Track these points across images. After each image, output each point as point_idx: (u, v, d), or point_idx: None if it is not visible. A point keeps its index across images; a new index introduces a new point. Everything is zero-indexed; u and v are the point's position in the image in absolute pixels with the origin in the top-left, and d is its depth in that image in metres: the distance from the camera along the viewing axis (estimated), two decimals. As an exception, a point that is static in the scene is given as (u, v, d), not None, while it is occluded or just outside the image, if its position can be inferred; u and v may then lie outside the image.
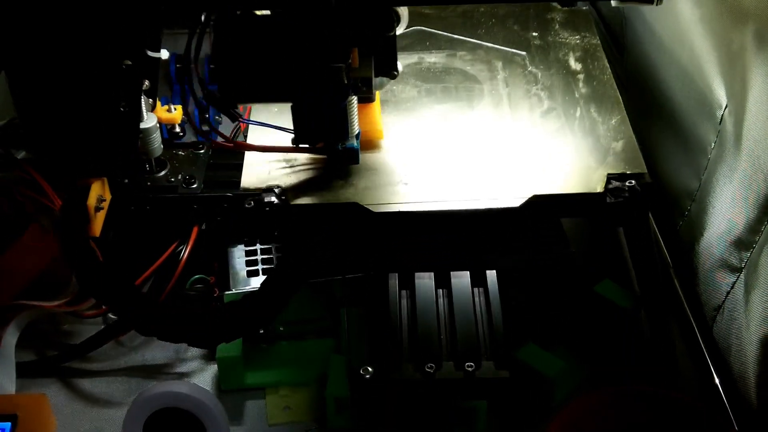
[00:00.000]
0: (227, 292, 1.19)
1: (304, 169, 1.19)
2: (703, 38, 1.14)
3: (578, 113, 1.27)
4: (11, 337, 1.20)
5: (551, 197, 1.14)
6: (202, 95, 1.12)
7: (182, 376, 1.21)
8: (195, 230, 1.22)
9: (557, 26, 1.46)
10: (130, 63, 1.06)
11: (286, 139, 1.16)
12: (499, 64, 1.38)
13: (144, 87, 1.16)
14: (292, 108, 1.11)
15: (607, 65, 1.36)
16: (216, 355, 1.15)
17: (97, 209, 1.12)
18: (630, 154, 1.19)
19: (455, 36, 1.44)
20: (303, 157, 1.20)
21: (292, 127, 1.14)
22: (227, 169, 1.24)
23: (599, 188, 1.13)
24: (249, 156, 1.21)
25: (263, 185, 1.15)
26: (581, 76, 1.35)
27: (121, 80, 1.07)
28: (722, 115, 1.10)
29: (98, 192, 1.13)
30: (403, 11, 1.16)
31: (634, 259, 1.28)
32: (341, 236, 1.17)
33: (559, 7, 1.49)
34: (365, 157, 1.20)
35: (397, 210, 1.13)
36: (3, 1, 0.99)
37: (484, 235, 1.19)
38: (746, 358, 1.02)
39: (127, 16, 1.02)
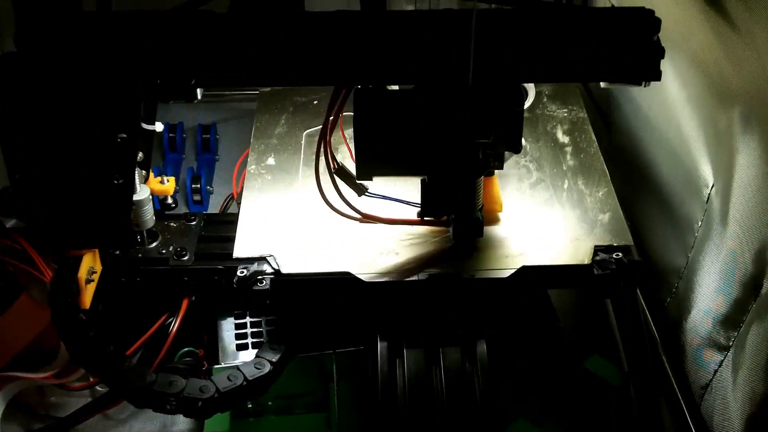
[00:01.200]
0: (216, 366, 1.19)
1: (295, 241, 1.19)
2: (690, 118, 1.16)
3: (566, 185, 1.29)
4: (-2, 407, 1.19)
5: (540, 268, 1.15)
6: (334, 168, 1.12)
7: (169, 449, 1.20)
8: (185, 302, 1.23)
9: (545, 99, 1.48)
10: (125, 136, 1.07)
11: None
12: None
13: (138, 159, 1.17)
14: (424, 182, 1.12)
15: (594, 138, 1.38)
16: (204, 430, 1.15)
17: (88, 281, 1.12)
18: (616, 227, 1.20)
19: None
20: (295, 227, 1.20)
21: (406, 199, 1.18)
22: (219, 241, 1.24)
23: (587, 260, 1.15)
24: (241, 228, 1.21)
25: (256, 255, 1.16)
26: (569, 149, 1.36)
27: (116, 153, 1.08)
28: (709, 193, 1.11)
29: (89, 263, 1.13)
30: (530, 87, 1.20)
31: (623, 334, 1.29)
32: (332, 308, 1.18)
33: None
34: (349, 227, 1.20)
35: (387, 280, 1.13)
36: (2, 72, 1.00)
37: (473, 306, 1.18)
38: (734, 438, 1.02)
39: (123, 91, 1.03)
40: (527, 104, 1.17)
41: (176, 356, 1.23)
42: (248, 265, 1.14)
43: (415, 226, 1.21)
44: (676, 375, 1.19)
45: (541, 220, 1.23)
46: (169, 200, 1.34)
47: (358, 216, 1.17)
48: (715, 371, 1.08)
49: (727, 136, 1.04)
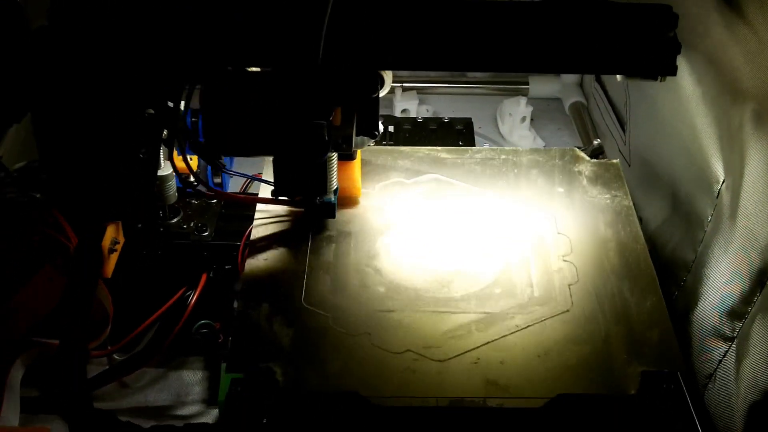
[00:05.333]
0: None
1: (297, 349, 1.09)
2: (703, 115, 1.18)
3: (609, 292, 1.17)
4: (18, 372, 1.21)
5: (577, 397, 1.03)
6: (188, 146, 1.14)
7: (183, 418, 1.22)
8: (204, 277, 1.25)
9: (585, 182, 1.36)
10: (152, 112, 1.09)
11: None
12: (521, 224, 1.29)
13: (163, 136, 1.19)
14: (274, 161, 1.14)
15: (641, 232, 1.26)
16: (218, 398, 1.17)
17: (111, 251, 1.15)
18: (666, 349, 1.09)
19: (473, 188, 1.36)
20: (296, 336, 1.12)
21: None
22: (238, 220, 1.27)
23: (632, 389, 1.04)
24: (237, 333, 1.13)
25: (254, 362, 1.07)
26: (612, 245, 1.24)
27: (142, 128, 1.10)
28: (720, 189, 1.13)
29: (113, 234, 1.16)
30: (387, 75, 1.18)
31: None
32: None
33: (587, 158, 1.40)
34: (374, 333, 1.11)
35: (402, 406, 1.03)
36: (33, 50, 1.03)
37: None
38: (736, 426, 1.04)
39: (153, 69, 1.06)
40: (383, 92, 1.17)
41: (193, 327, 1.26)
42: (244, 378, 1.06)
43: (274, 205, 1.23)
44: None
45: (581, 334, 1.11)
46: (191, 179, 1.36)
47: (211, 193, 1.21)
48: (720, 361, 1.10)
49: (739, 134, 1.06)
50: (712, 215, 1.16)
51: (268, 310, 1.13)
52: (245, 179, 1.54)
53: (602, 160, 1.41)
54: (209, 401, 1.24)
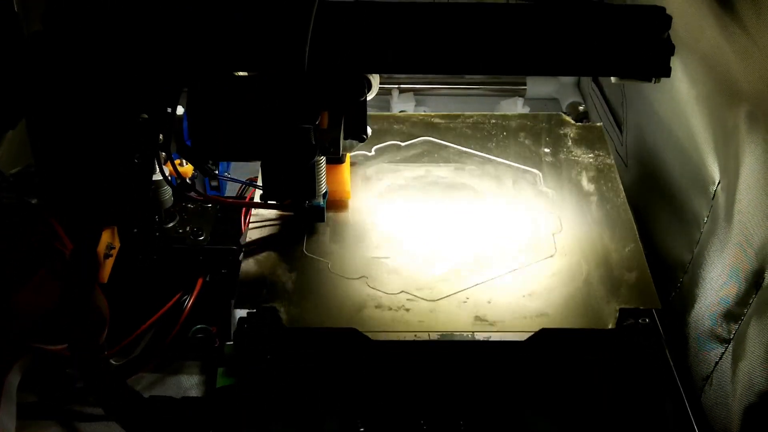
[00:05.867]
0: (228, 343, 1.22)
1: (300, 289, 1.17)
2: (698, 116, 1.18)
3: (591, 239, 1.25)
4: (14, 377, 1.21)
5: (559, 332, 1.10)
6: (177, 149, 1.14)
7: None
8: (200, 281, 1.25)
9: (570, 143, 1.44)
10: (146, 117, 1.09)
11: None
12: (510, 182, 1.37)
13: (158, 140, 1.19)
14: (262, 165, 1.14)
15: (621, 187, 1.34)
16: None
17: (107, 256, 1.15)
18: (644, 288, 1.16)
19: (464, 149, 1.44)
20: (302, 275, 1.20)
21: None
22: (234, 224, 1.27)
23: (611, 324, 1.11)
24: (244, 269, 1.21)
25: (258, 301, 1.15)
26: (594, 198, 1.32)
27: (137, 133, 1.10)
28: (715, 190, 1.13)
29: (108, 239, 1.16)
30: (374, 78, 1.18)
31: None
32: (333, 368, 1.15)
33: (572, 122, 1.49)
34: (370, 277, 1.19)
35: (397, 340, 1.11)
36: (28, 55, 1.03)
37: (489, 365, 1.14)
38: (733, 427, 1.04)
39: (148, 72, 1.06)
40: (370, 96, 1.18)
41: (190, 332, 1.26)
42: (250, 314, 1.14)
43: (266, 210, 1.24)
44: (678, 366, 1.21)
45: (563, 277, 1.19)
46: (187, 182, 1.36)
47: (200, 198, 1.21)
48: (716, 363, 1.10)
49: (734, 134, 1.06)
50: (708, 216, 1.16)
51: (271, 258, 1.21)
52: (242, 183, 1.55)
53: (586, 124, 1.50)
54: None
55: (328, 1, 1.00)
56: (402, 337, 1.11)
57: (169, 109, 1.16)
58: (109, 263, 1.16)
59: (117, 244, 1.19)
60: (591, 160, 1.40)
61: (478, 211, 1.31)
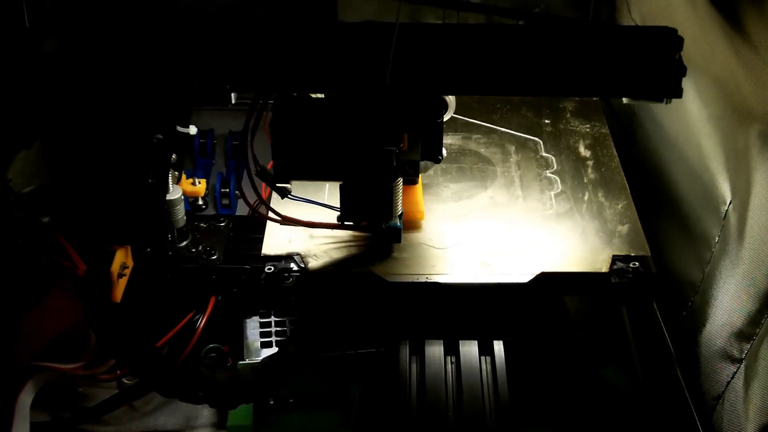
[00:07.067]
0: (240, 362, 1.22)
1: (322, 241, 1.22)
2: (709, 136, 1.18)
3: (586, 197, 1.32)
4: (27, 396, 1.22)
5: (558, 275, 1.17)
6: (255, 171, 1.14)
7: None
8: (212, 300, 1.26)
9: (569, 115, 1.51)
10: (160, 137, 1.10)
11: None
12: (513, 148, 1.43)
13: (171, 160, 1.20)
14: (341, 187, 1.14)
15: (615, 153, 1.41)
16: (227, 423, 1.18)
17: (120, 275, 1.16)
18: (635, 238, 1.23)
19: (471, 120, 1.49)
20: (323, 231, 1.23)
21: (334, 204, 1.18)
22: (246, 242, 1.28)
23: (604, 268, 1.17)
24: (270, 227, 1.24)
25: (283, 253, 1.19)
26: (590, 163, 1.39)
27: (151, 153, 1.11)
28: (726, 210, 1.14)
29: (122, 259, 1.17)
30: (451, 99, 1.20)
31: (638, 345, 1.31)
32: (355, 308, 1.22)
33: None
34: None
35: (411, 281, 1.16)
36: (43, 76, 1.04)
37: (494, 308, 1.24)
38: (745, 448, 1.04)
39: (161, 94, 1.07)
40: (447, 117, 1.19)
41: (202, 351, 1.27)
42: (276, 263, 1.17)
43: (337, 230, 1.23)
44: (690, 386, 1.21)
45: (561, 230, 1.26)
46: (200, 202, 1.37)
47: (278, 218, 1.20)
48: (728, 383, 1.10)
49: (745, 155, 1.07)
50: (719, 236, 1.16)
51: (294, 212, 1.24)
52: (254, 201, 1.55)
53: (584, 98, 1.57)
54: (218, 425, 1.24)
55: (408, 23, 1.01)
56: (415, 279, 1.17)
57: (182, 129, 1.17)
58: (123, 283, 1.17)
59: (130, 264, 1.19)
60: (588, 129, 1.48)
61: (485, 175, 1.38)
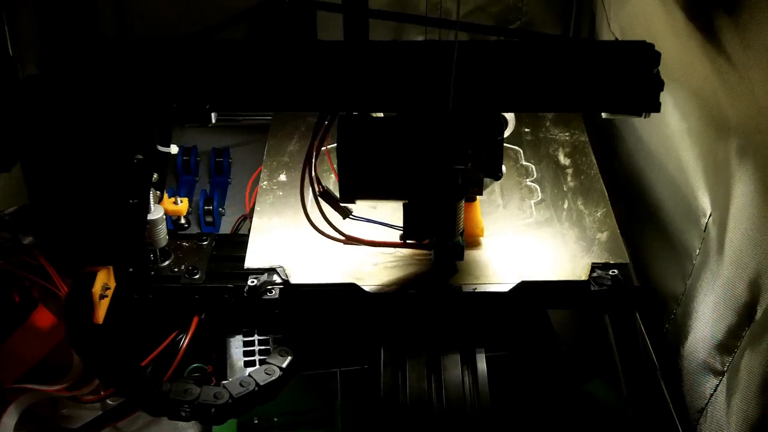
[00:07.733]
0: (224, 382, 1.21)
1: (305, 254, 1.24)
2: (689, 149, 1.18)
3: (566, 205, 1.33)
4: (10, 419, 1.22)
5: (538, 284, 1.19)
6: (319, 191, 1.16)
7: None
8: (195, 320, 1.25)
9: (548, 123, 1.53)
10: (141, 157, 1.10)
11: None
12: None
13: (153, 180, 1.20)
14: (405, 206, 1.14)
15: (594, 161, 1.42)
16: (213, 441, 1.17)
17: (102, 297, 1.15)
18: (614, 245, 1.24)
19: None
20: (305, 241, 1.24)
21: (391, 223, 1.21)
22: (229, 261, 1.27)
23: (584, 276, 1.18)
24: (253, 240, 1.26)
25: (266, 266, 1.21)
26: (570, 171, 1.41)
27: (132, 174, 1.11)
28: (707, 222, 1.14)
29: (104, 280, 1.16)
30: (510, 117, 1.20)
31: (622, 358, 1.31)
32: (337, 324, 1.23)
33: None
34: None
35: (390, 291, 1.18)
36: (23, 99, 1.04)
37: (474, 320, 1.23)
38: (728, 461, 1.04)
39: (141, 114, 1.07)
40: (507, 133, 1.20)
41: (185, 371, 1.26)
42: (258, 276, 1.19)
43: (398, 249, 1.24)
44: (673, 399, 1.21)
45: (542, 238, 1.27)
46: (182, 221, 1.37)
47: (342, 238, 1.21)
48: (711, 396, 1.10)
49: (725, 167, 1.07)
50: (700, 248, 1.16)
51: (277, 224, 1.29)
52: (237, 219, 1.56)
53: None
54: (204, 443, 1.24)
55: (466, 41, 1.02)
56: (397, 289, 1.19)
57: (163, 149, 1.17)
58: (105, 303, 1.17)
59: (112, 285, 1.19)
60: (567, 137, 1.50)
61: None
